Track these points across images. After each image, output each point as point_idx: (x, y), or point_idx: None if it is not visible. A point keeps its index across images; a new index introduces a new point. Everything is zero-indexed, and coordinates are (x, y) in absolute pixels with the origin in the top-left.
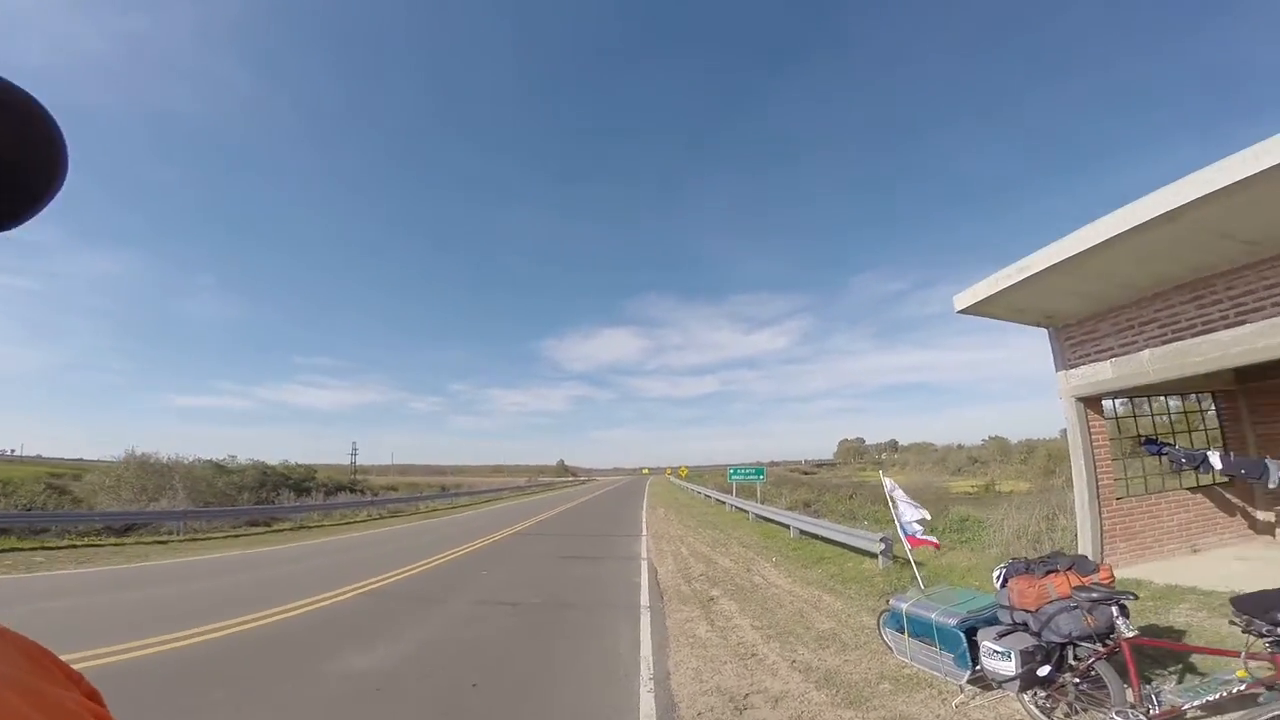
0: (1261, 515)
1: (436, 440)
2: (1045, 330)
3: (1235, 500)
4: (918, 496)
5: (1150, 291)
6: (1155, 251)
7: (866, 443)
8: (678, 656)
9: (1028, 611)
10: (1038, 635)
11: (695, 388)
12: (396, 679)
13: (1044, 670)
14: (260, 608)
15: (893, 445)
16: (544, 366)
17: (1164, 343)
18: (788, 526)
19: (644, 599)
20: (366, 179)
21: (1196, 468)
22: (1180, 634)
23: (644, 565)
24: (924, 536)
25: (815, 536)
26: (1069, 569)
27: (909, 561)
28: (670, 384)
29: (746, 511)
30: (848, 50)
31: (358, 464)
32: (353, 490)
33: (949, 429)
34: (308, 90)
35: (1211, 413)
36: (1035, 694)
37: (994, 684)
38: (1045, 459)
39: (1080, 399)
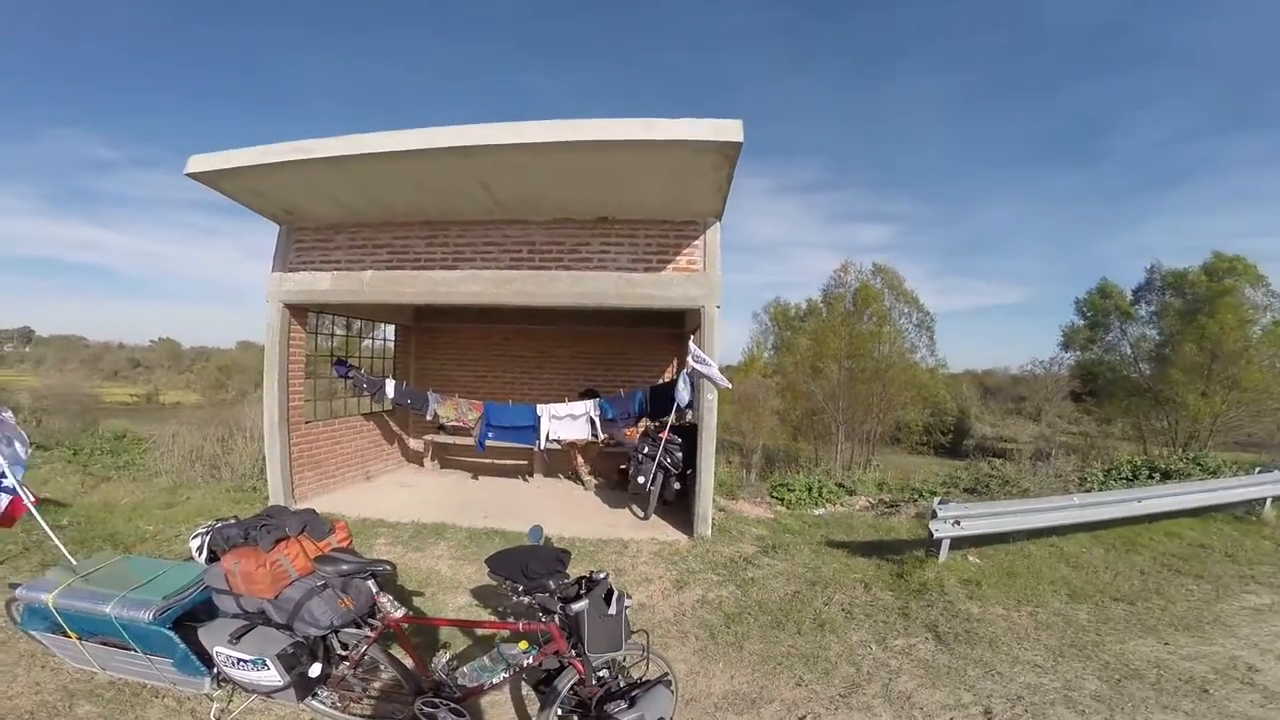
0: (413, 443)
1: None
2: (277, 227)
3: (395, 428)
4: (59, 405)
5: (400, 219)
6: (430, 181)
7: None
8: None
9: (265, 600)
10: (288, 628)
11: None
12: None
13: (316, 670)
14: None
15: (26, 334)
16: None
17: (389, 268)
18: None
19: None
20: None
21: (374, 395)
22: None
23: None
24: (25, 492)
25: None
26: (301, 532)
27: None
28: None
29: None
30: None
31: None
32: None
33: (113, 323)
34: None
35: (369, 342)
36: (316, 693)
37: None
38: (218, 371)
39: (289, 306)
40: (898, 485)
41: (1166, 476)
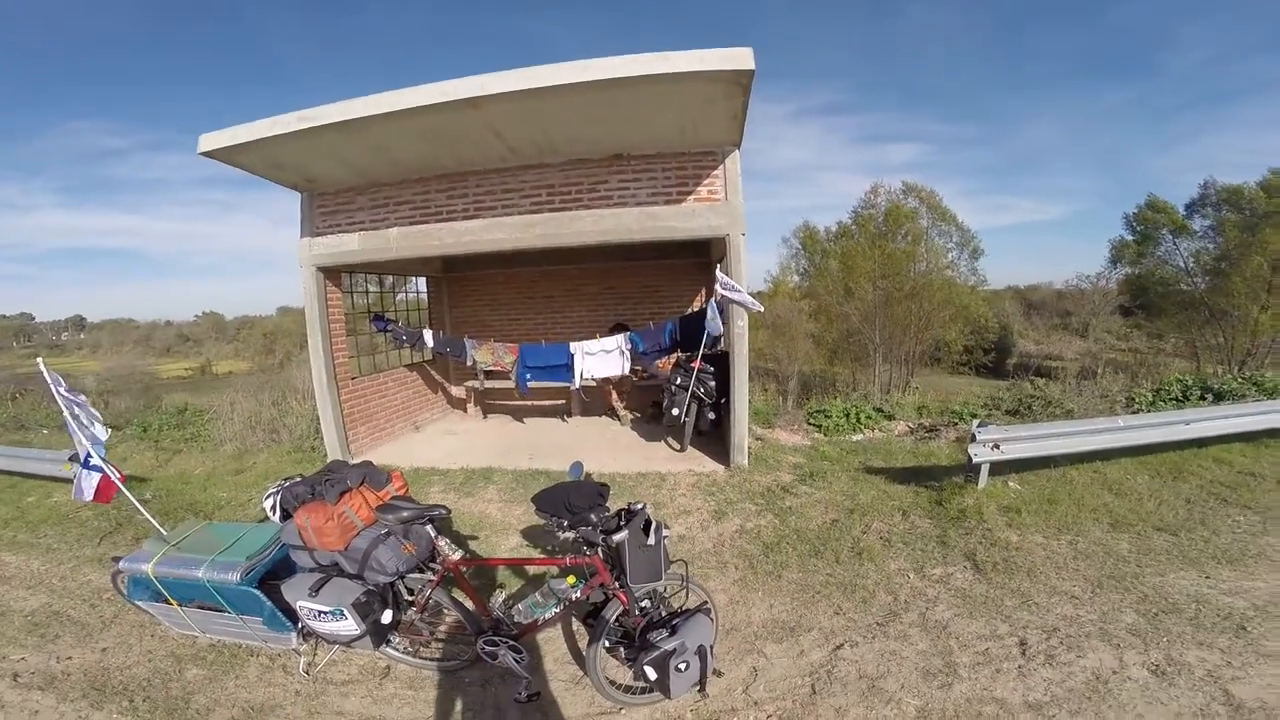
0: (455, 390)
1: None
2: (299, 194)
3: (438, 377)
4: (122, 385)
5: (416, 175)
6: (442, 135)
7: (37, 319)
8: None
9: (336, 552)
10: (359, 577)
11: None
12: None
13: (387, 617)
14: None
15: (79, 323)
16: None
17: (413, 224)
18: None
19: None
20: None
21: (414, 345)
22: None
23: None
24: (111, 470)
25: None
26: (361, 484)
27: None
28: None
29: None
30: None
31: None
32: None
33: (156, 303)
34: None
35: (403, 295)
36: (389, 639)
37: (342, 646)
38: (263, 337)
39: (322, 269)
40: (937, 409)
41: (1220, 397)
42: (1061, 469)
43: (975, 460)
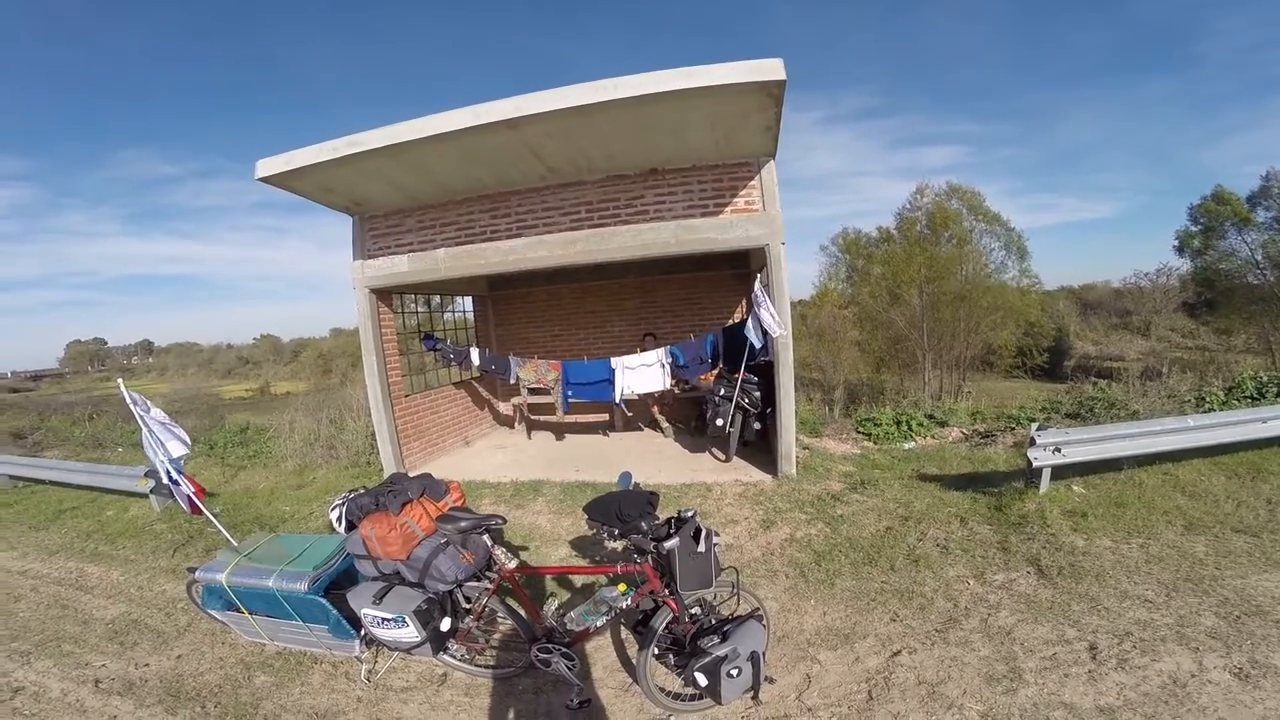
0: (502, 407)
1: None
2: (350, 218)
3: (485, 394)
4: (189, 406)
5: (460, 196)
6: (481, 156)
7: (110, 345)
8: None
9: (398, 561)
10: (420, 585)
11: None
12: None
13: (446, 624)
14: None
15: (147, 347)
16: None
17: (459, 244)
18: None
19: None
20: None
21: (461, 364)
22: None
23: None
24: (185, 483)
25: (41, 481)
26: (422, 495)
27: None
28: None
29: None
30: None
31: None
32: None
33: (217, 327)
34: None
35: (449, 314)
36: (447, 647)
37: (402, 654)
38: (317, 358)
39: (374, 290)
40: (992, 414)
41: None
42: (1129, 472)
43: (1036, 464)
